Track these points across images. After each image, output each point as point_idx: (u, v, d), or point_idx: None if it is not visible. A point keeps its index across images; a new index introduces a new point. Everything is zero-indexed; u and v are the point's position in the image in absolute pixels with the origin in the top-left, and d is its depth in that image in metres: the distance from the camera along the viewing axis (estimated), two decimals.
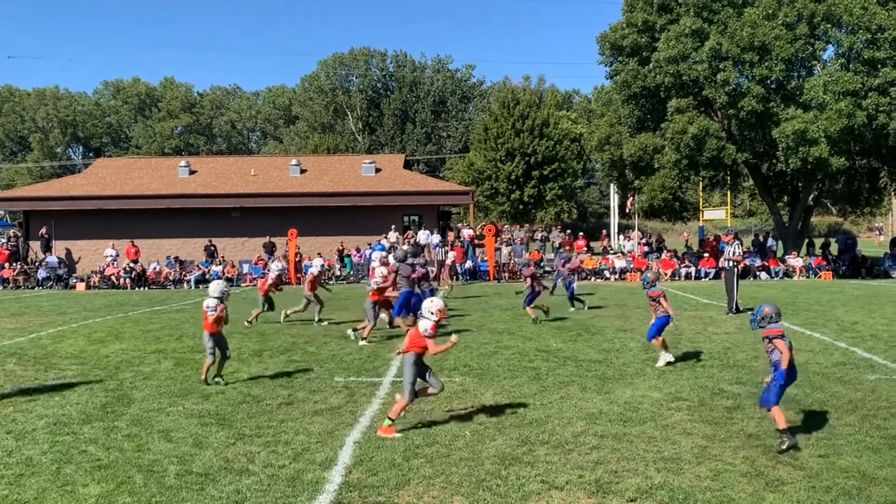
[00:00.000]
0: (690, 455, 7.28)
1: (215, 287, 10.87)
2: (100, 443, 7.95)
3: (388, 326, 15.99)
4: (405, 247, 22.02)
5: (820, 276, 31.10)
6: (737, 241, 20.40)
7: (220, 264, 33.95)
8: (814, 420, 8.50)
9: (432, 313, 8.38)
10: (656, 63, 32.48)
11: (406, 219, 38.49)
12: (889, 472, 6.73)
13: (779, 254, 34.22)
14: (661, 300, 11.96)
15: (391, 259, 17.41)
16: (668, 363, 11.69)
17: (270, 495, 6.40)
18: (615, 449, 7.50)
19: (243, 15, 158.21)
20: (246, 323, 17.26)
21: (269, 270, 18.98)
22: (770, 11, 29.87)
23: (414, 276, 16.01)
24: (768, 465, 6.96)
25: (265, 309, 17.52)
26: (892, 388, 10.01)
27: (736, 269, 19.08)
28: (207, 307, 10.65)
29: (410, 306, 15.33)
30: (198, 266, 33.99)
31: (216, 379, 10.75)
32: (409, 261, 16.19)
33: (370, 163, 40.45)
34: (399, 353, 9.02)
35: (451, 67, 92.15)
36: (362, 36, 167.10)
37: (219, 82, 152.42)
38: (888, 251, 34.11)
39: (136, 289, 31.95)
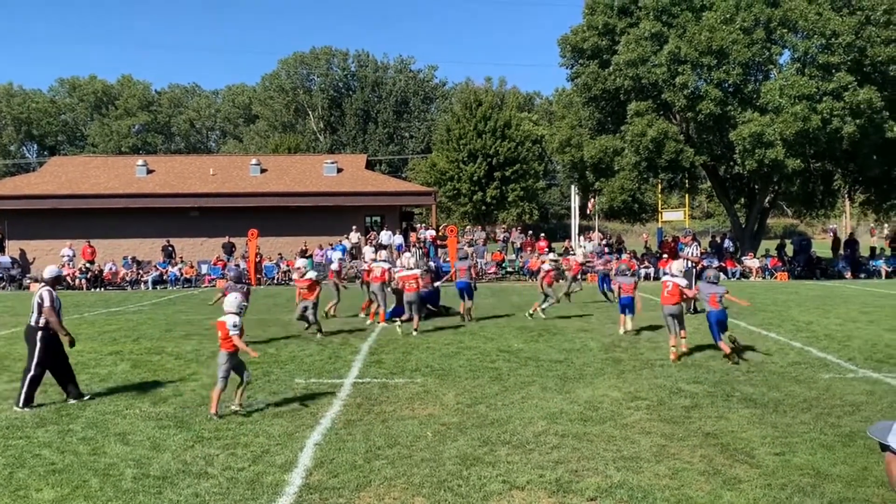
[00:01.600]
0: (649, 454, 7.35)
1: (233, 301, 9.33)
2: (54, 446, 7.81)
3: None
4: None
5: (776, 277, 31.64)
6: (695, 242, 20.72)
7: (178, 265, 33.54)
8: (769, 418, 8.64)
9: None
10: (616, 66, 32.79)
11: (368, 219, 38.35)
12: (843, 469, 6.86)
13: (736, 255, 34.74)
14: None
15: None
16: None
17: (230, 498, 6.33)
18: (575, 448, 7.55)
19: (202, 12, 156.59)
20: (323, 313, 17.84)
21: (331, 261, 20.05)
22: (728, 16, 30.32)
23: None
24: (725, 464, 7.05)
25: (338, 299, 18.61)
26: (846, 386, 10.21)
27: (694, 270, 19.32)
28: (234, 325, 9.05)
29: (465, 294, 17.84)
30: (155, 267, 33.51)
31: (233, 407, 9.11)
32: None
33: (332, 163, 40.20)
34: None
35: (413, 68, 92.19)
36: (323, 35, 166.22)
37: (177, 80, 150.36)
38: (841, 252, 34.83)
39: (92, 290, 31.41)
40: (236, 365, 9.11)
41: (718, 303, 12.12)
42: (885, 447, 2.53)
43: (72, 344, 9.98)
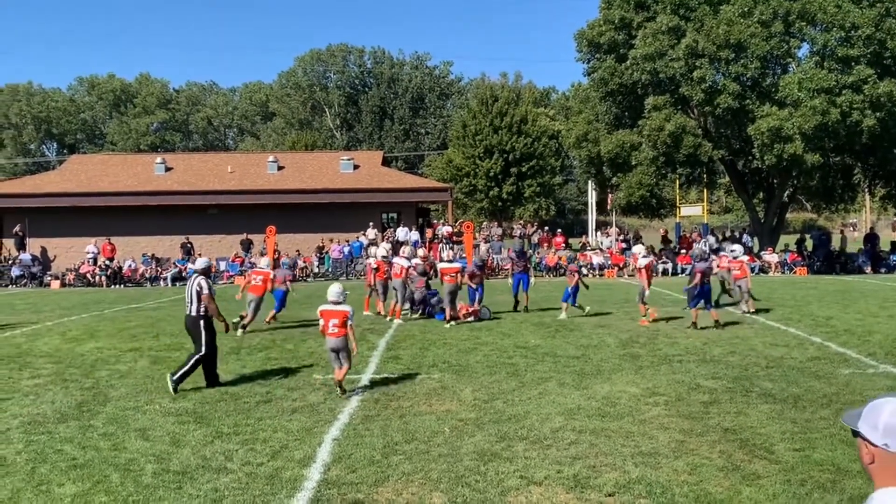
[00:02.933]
0: (668, 449, 7.33)
1: (338, 290, 9.71)
2: (75, 442, 7.88)
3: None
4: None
5: (795, 272, 31.42)
6: (711, 236, 20.64)
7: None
8: (789, 414, 8.58)
9: None
10: (633, 60, 32.64)
11: (384, 216, 38.42)
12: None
13: (755, 250, 34.52)
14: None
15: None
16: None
17: (249, 493, 6.37)
18: (593, 444, 7.53)
19: (219, 10, 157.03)
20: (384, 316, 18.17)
21: (370, 257, 20.14)
22: (746, 9, 30.12)
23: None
24: (744, 460, 7.02)
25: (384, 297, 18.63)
26: (866, 382, 10.13)
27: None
28: (352, 317, 9.68)
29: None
30: (174, 264, 33.74)
31: (340, 390, 9.69)
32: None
33: (348, 159, 40.30)
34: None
35: (429, 64, 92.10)
36: (339, 32, 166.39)
37: (195, 78, 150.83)
38: (861, 247, 34.54)
39: (112, 286, 31.66)
40: (344, 347, 9.59)
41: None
42: (856, 433, 2.55)
43: (227, 330, 10.69)
